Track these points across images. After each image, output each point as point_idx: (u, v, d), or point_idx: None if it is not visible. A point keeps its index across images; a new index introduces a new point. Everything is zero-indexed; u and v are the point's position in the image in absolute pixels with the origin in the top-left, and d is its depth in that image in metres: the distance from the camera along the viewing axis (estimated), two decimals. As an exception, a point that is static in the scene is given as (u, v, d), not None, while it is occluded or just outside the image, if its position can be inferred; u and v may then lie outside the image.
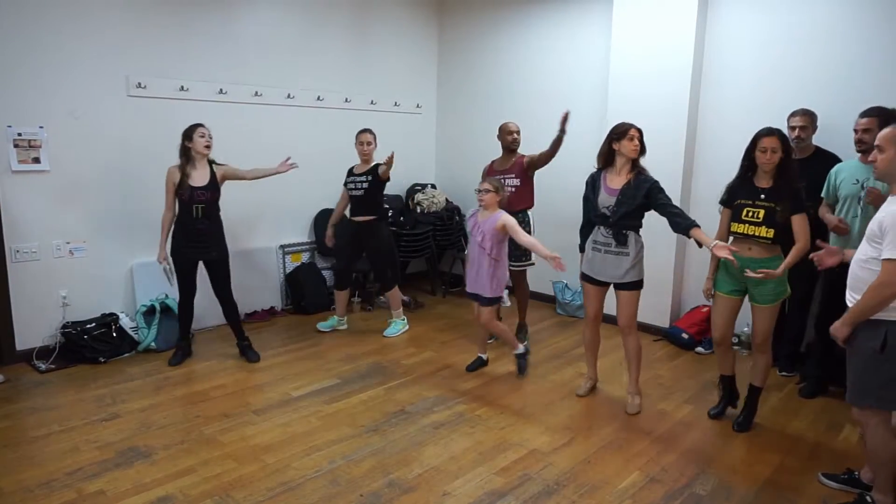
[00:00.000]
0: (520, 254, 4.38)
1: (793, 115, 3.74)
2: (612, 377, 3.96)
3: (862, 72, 3.82)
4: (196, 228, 3.84)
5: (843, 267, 3.36)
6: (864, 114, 3.31)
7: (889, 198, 2.32)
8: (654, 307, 4.78)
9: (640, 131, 3.35)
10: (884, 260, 2.19)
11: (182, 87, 4.42)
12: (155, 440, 3.03)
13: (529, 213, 4.48)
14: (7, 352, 3.91)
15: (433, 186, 6.08)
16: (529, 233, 4.30)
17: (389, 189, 5.80)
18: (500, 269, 3.81)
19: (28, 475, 2.71)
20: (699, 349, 4.41)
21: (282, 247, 5.23)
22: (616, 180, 3.36)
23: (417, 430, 3.21)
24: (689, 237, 3.17)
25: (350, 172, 4.63)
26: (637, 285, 3.42)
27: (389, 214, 5.61)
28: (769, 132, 3.00)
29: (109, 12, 4.05)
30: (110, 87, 4.12)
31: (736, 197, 3.13)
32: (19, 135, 3.80)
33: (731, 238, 3.15)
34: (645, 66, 4.60)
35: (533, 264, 4.50)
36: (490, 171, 4.50)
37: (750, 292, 3.17)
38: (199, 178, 3.84)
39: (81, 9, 3.93)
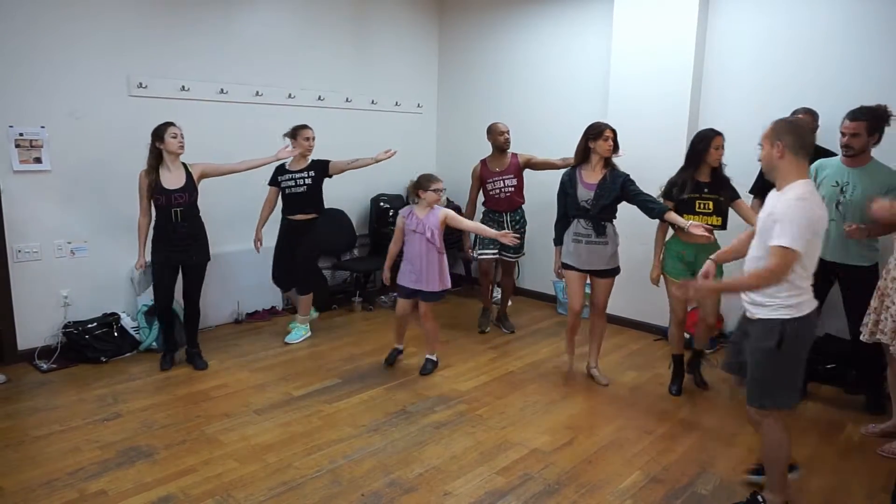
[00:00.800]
0: (516, 247, 4.54)
1: (794, 113, 3.74)
2: (613, 376, 3.95)
3: (862, 71, 3.82)
4: (177, 233, 3.72)
5: (833, 274, 3.40)
6: (852, 116, 3.21)
7: (775, 192, 2.33)
8: (655, 307, 4.77)
9: (614, 131, 3.59)
10: (775, 246, 2.18)
11: (183, 86, 4.42)
12: (156, 440, 3.04)
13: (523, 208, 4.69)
14: (9, 351, 3.91)
15: (434, 186, 6.08)
16: (525, 230, 4.61)
17: (390, 189, 5.83)
18: (444, 261, 3.86)
19: (29, 475, 2.71)
20: (700, 349, 4.41)
21: (283, 246, 5.23)
22: (592, 176, 3.63)
23: (418, 429, 3.21)
24: (664, 220, 3.50)
25: (283, 170, 4.36)
26: (617, 272, 3.74)
27: (391, 214, 5.62)
28: (718, 132, 3.47)
29: (110, 12, 4.06)
30: (111, 87, 4.13)
31: (682, 192, 3.48)
32: (21, 135, 3.80)
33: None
34: (645, 65, 4.59)
35: (524, 254, 4.79)
36: (485, 171, 4.60)
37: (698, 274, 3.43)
38: (175, 180, 3.70)
39: (82, 9, 3.94)
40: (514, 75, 5.67)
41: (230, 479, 2.71)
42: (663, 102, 4.53)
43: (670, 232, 3.65)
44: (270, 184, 4.43)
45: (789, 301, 2.26)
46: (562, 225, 3.75)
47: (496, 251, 4.62)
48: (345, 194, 5.49)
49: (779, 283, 2.24)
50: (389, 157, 4.40)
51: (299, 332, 4.54)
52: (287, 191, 4.37)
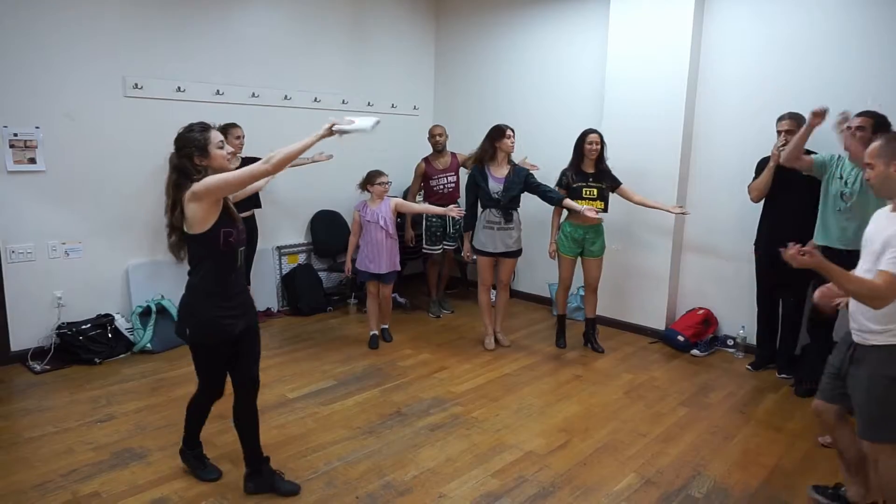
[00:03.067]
0: (453, 237, 5.17)
1: (780, 119, 3.79)
2: (608, 378, 3.97)
3: (857, 77, 3.83)
4: (239, 284, 2.51)
5: (831, 261, 3.45)
6: (860, 113, 3.34)
7: (888, 212, 2.24)
8: (650, 310, 4.79)
9: (513, 131, 4.22)
10: (880, 270, 2.08)
11: (179, 87, 4.41)
12: (150, 441, 3.02)
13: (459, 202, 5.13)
14: (2, 352, 3.89)
15: (430, 188, 6.09)
16: (455, 225, 5.14)
17: (386, 191, 5.83)
18: (396, 247, 4.40)
19: (22, 477, 2.70)
20: (695, 352, 4.42)
21: (278, 248, 5.23)
22: (500, 171, 4.23)
23: (413, 432, 3.21)
24: (563, 207, 4.18)
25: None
26: (520, 253, 4.37)
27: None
28: (593, 131, 4.19)
29: (106, 13, 4.05)
30: (107, 88, 4.11)
31: (572, 181, 4.19)
32: (15, 135, 3.78)
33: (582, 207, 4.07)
34: (641, 70, 4.60)
35: (453, 246, 5.23)
36: (429, 169, 5.12)
37: (586, 250, 4.28)
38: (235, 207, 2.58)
39: (78, 9, 3.92)
40: (510, 78, 5.69)
41: (224, 482, 2.69)
42: (658, 106, 4.54)
43: (563, 215, 4.30)
44: None
45: None
46: (472, 214, 4.31)
47: (441, 247, 5.18)
48: (338, 196, 5.48)
49: (876, 308, 2.09)
50: (326, 160, 4.48)
51: None
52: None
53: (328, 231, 5.47)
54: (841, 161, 3.50)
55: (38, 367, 3.86)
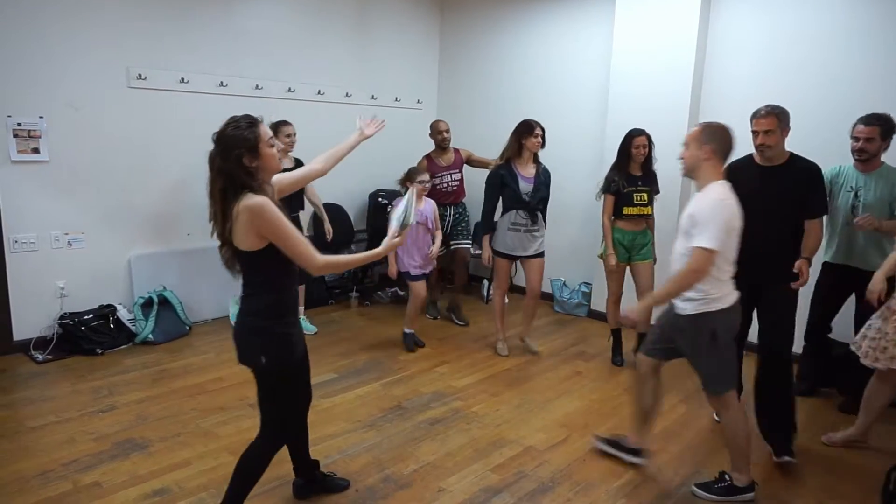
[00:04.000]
0: (463, 235, 5.01)
1: (755, 116, 2.98)
2: (609, 375, 3.97)
3: (866, 73, 3.81)
4: (296, 291, 2.26)
5: (835, 278, 3.41)
6: (865, 122, 3.22)
7: (697, 193, 2.49)
8: (654, 308, 4.77)
9: (543, 129, 3.98)
10: (694, 248, 2.35)
11: (182, 79, 4.40)
12: (151, 432, 3.04)
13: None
14: (4, 342, 3.90)
15: (433, 182, 6.07)
16: (468, 221, 5.04)
17: (388, 185, 5.81)
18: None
19: (24, 466, 2.71)
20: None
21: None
22: (527, 170, 4.01)
23: (413, 426, 3.22)
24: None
25: None
26: (543, 254, 4.16)
27: (388, 210, 5.61)
28: (640, 132, 3.87)
29: (110, 3, 4.03)
30: (111, 79, 4.11)
31: (622, 187, 3.87)
32: (19, 125, 3.78)
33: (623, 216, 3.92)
34: (646, 64, 4.58)
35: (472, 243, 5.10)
36: (432, 166, 4.86)
37: (634, 255, 4.00)
38: None
39: (81, 0, 3.93)
40: (515, 72, 5.67)
41: (225, 473, 2.68)
42: (664, 101, 4.52)
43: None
44: None
45: (714, 294, 2.43)
46: (492, 216, 4.10)
47: (442, 249, 4.81)
48: (343, 189, 5.49)
49: (701, 281, 2.40)
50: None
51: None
52: None
53: (331, 224, 5.46)
54: (845, 171, 3.38)
55: (40, 357, 3.87)
